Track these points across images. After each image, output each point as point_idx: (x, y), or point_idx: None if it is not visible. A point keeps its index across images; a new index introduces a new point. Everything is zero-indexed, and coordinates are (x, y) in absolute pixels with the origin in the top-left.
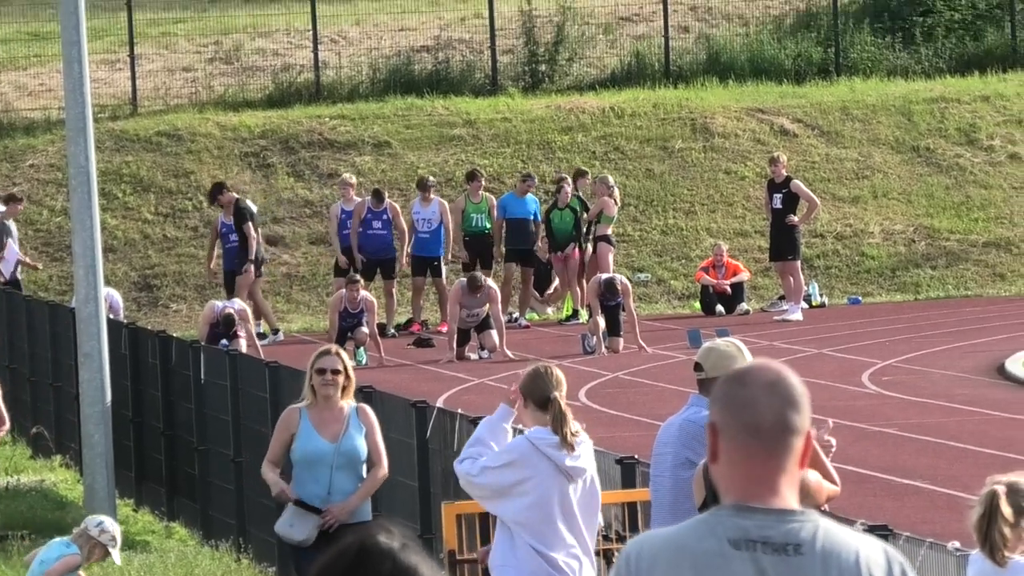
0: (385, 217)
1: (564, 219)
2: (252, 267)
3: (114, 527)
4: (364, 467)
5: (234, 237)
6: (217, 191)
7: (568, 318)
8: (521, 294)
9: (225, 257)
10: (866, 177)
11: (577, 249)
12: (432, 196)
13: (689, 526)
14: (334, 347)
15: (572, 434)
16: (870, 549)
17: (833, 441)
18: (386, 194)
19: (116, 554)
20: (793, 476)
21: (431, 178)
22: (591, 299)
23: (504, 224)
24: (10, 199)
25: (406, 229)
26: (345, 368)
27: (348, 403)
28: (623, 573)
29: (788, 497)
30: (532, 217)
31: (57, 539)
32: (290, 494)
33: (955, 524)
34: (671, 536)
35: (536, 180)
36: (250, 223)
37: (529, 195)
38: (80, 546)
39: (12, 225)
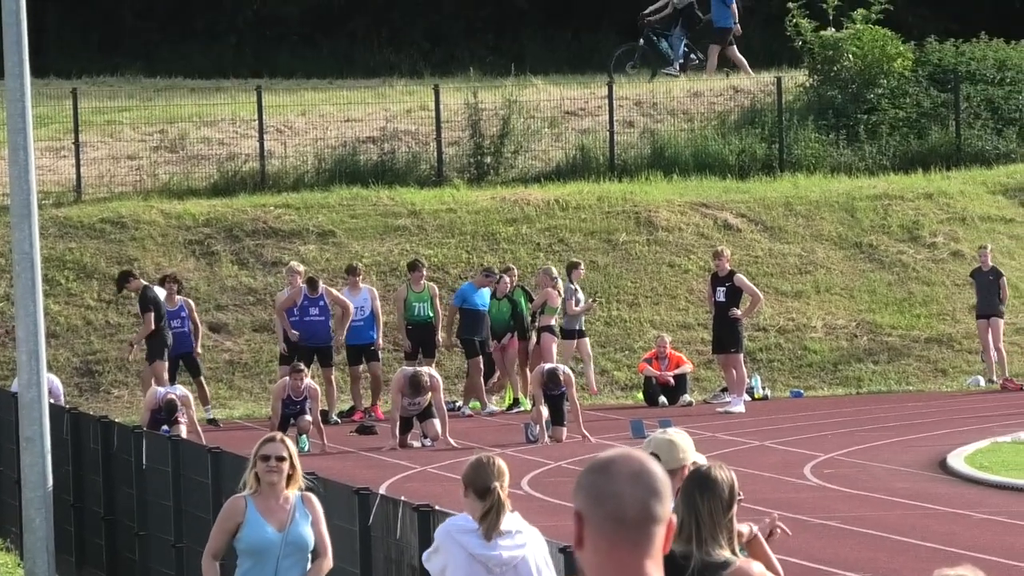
0: (321, 303)
1: (501, 309)
2: (143, 353)
3: None
4: (310, 557)
5: (175, 323)
6: (123, 280)
7: (509, 407)
8: (466, 383)
9: (175, 341)
10: (809, 272)
11: (516, 338)
12: (361, 284)
13: None
14: (279, 434)
15: (497, 525)
16: None
17: (788, 531)
18: (320, 281)
19: None
20: (657, 560)
21: (359, 264)
22: (534, 388)
23: (459, 312)
24: None
25: (349, 304)
26: (290, 456)
27: (293, 492)
28: None
29: None
30: (486, 309)
31: None
32: None
33: None
34: None
35: (497, 278)
36: (151, 312)
37: (486, 288)
38: None
39: None
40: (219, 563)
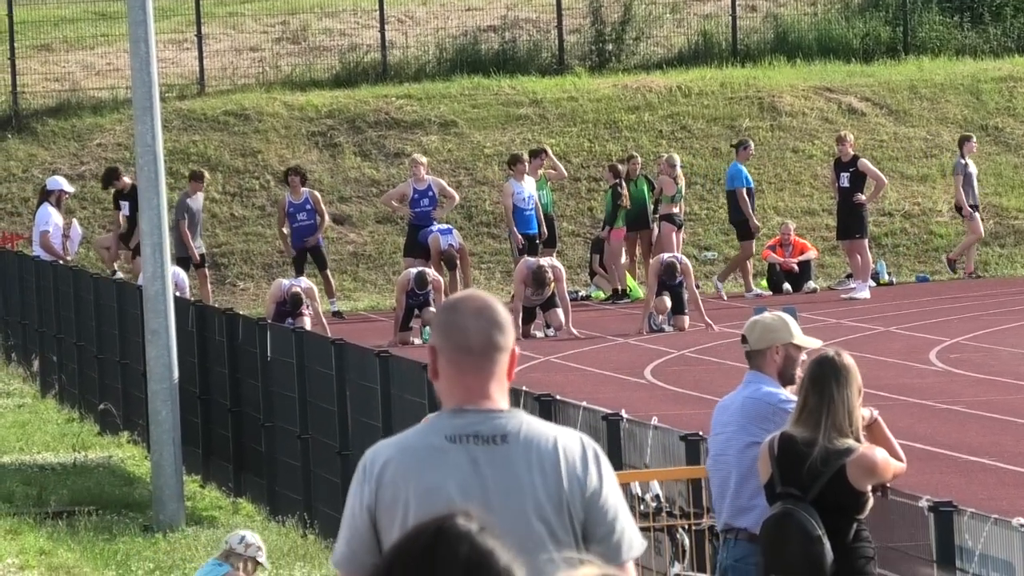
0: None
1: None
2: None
3: (254, 538)
4: None
5: (302, 216)
6: (110, 177)
7: (614, 298)
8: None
9: (294, 235)
10: (934, 156)
11: (625, 228)
12: (526, 174)
13: (416, 429)
14: None
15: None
16: (567, 437)
17: (876, 413)
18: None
19: (265, 560)
20: (502, 383)
21: (523, 154)
22: (650, 278)
23: (747, 193)
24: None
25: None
26: None
27: None
28: (364, 475)
29: (498, 400)
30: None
31: (209, 561)
32: None
33: (1022, 501)
34: (401, 439)
35: (752, 147)
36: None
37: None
38: (232, 564)
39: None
40: None
